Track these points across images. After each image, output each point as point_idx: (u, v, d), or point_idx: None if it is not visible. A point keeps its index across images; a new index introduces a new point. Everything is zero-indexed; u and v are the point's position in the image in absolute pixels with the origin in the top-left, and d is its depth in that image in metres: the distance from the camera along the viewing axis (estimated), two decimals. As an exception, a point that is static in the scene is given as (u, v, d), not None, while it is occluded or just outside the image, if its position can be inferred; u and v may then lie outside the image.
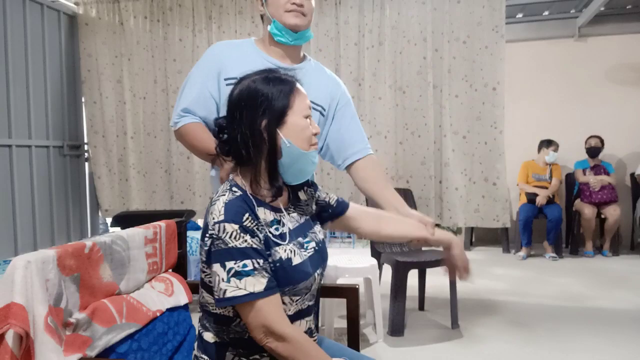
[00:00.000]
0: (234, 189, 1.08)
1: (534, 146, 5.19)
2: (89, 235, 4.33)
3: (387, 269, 3.02)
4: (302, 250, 1.13)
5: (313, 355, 1.01)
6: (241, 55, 1.61)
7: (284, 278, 1.06)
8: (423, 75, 3.52)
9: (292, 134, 1.08)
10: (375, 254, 3.17)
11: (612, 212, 4.82)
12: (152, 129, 4.03)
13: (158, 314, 1.31)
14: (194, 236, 3.28)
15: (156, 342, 1.29)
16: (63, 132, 4.07)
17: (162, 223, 1.47)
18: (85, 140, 4.26)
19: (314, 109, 1.59)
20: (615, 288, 3.77)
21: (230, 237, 1.00)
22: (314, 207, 1.27)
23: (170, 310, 1.38)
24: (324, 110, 1.69)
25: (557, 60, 5.48)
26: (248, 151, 1.06)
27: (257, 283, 1.00)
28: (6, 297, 0.95)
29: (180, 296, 1.45)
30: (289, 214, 1.16)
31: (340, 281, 2.69)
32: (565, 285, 3.86)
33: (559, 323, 3.01)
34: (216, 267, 1.01)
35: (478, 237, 5.72)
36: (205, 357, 1.12)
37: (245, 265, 1.00)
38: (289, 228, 1.13)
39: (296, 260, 1.09)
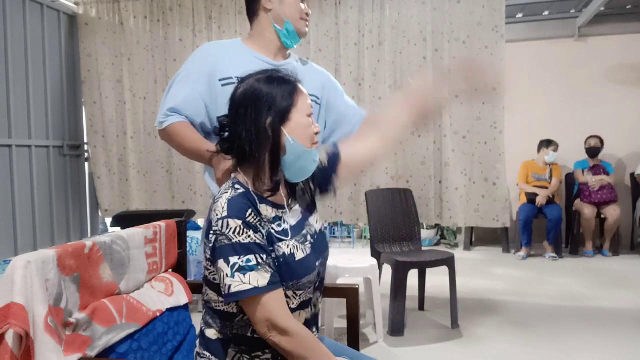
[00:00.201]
0: (237, 186, 1.09)
1: (534, 146, 5.19)
2: (89, 235, 4.34)
3: (387, 269, 3.02)
4: (305, 244, 1.15)
5: (316, 350, 1.04)
6: (234, 55, 1.61)
7: (287, 273, 1.08)
8: (423, 75, 3.52)
9: (295, 132, 1.09)
10: (375, 254, 3.17)
11: (612, 212, 4.82)
12: (153, 129, 4.03)
13: (158, 314, 1.32)
14: (194, 236, 3.28)
15: (156, 342, 1.29)
16: (63, 132, 4.07)
17: (162, 223, 1.47)
18: (85, 140, 4.26)
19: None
20: (615, 288, 3.77)
21: (233, 232, 1.02)
22: (310, 192, 1.27)
23: (170, 310, 1.38)
24: (318, 99, 1.74)
25: (557, 60, 5.48)
26: (252, 148, 1.08)
27: (260, 278, 1.02)
28: (6, 297, 0.95)
29: (180, 296, 1.45)
30: (290, 209, 1.18)
31: (340, 281, 2.69)
32: (565, 285, 3.86)
33: (559, 323, 3.01)
34: (220, 263, 1.03)
35: (478, 237, 5.72)
36: (208, 354, 1.13)
37: (249, 261, 1.02)
38: (291, 224, 1.15)
39: (299, 255, 1.11)
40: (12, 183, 3.53)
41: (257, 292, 1.01)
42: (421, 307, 3.30)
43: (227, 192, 1.08)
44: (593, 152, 5.06)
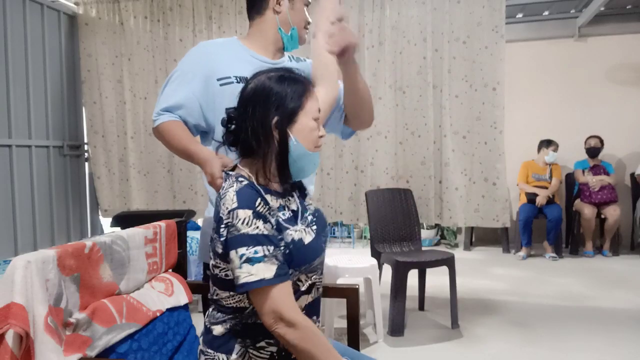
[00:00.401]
0: (240, 179, 1.11)
1: (534, 146, 5.19)
2: (89, 235, 4.34)
3: (387, 269, 3.02)
4: (311, 227, 1.17)
5: (321, 344, 1.05)
6: (231, 54, 1.59)
7: (299, 258, 1.09)
8: (423, 76, 3.52)
9: (300, 134, 1.11)
10: (375, 254, 3.17)
11: (612, 212, 4.82)
12: (153, 129, 4.02)
13: (158, 314, 1.32)
14: (194, 236, 3.28)
15: (156, 342, 1.29)
16: (63, 132, 4.07)
17: (162, 223, 1.47)
18: (85, 140, 4.26)
19: None
20: (615, 288, 3.77)
21: (242, 223, 1.03)
22: None
23: (170, 310, 1.38)
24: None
25: (557, 60, 5.48)
26: (257, 144, 1.10)
27: (267, 270, 1.03)
28: (6, 297, 0.95)
29: (180, 296, 1.45)
30: (291, 196, 1.20)
31: (340, 281, 2.69)
32: (565, 285, 3.86)
33: (559, 323, 3.01)
34: (232, 254, 1.04)
35: (478, 237, 5.72)
36: (212, 352, 1.13)
37: (256, 252, 1.03)
38: (294, 210, 1.17)
39: (308, 239, 1.13)
40: (12, 183, 3.53)
41: (264, 284, 1.02)
42: (421, 307, 3.30)
43: (232, 186, 1.08)
44: (593, 152, 5.06)
